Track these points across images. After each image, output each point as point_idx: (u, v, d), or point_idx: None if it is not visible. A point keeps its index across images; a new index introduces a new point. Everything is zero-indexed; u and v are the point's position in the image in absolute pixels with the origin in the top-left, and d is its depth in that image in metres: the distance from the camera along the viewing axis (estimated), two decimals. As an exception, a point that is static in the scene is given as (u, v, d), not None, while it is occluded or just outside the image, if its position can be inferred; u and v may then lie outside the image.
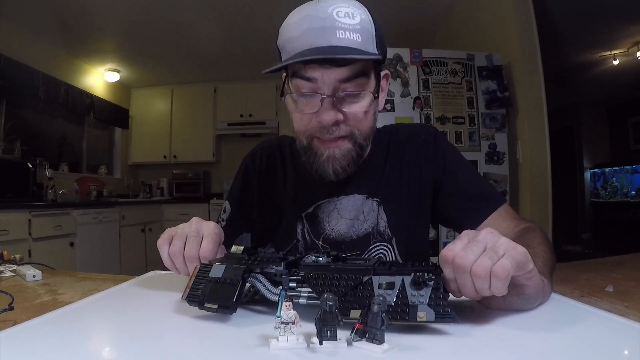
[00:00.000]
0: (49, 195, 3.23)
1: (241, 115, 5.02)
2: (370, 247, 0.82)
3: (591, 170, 5.67)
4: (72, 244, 3.05)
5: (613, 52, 4.04)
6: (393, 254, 0.82)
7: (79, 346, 0.43)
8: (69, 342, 0.43)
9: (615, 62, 4.16)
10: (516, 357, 0.40)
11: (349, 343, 0.40)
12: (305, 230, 0.83)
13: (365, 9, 0.69)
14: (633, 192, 4.96)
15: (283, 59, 0.70)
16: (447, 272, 0.46)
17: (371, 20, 0.68)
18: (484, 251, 0.45)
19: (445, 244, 2.53)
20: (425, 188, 0.84)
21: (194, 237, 0.60)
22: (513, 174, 2.65)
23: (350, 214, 0.82)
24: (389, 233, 0.82)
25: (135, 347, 0.42)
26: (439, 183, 0.84)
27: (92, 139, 4.68)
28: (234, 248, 0.58)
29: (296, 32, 0.67)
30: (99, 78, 4.59)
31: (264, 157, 0.91)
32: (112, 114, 4.78)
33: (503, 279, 0.42)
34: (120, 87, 4.99)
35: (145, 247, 4.19)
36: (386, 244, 0.82)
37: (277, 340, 0.40)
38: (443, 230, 2.52)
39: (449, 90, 2.60)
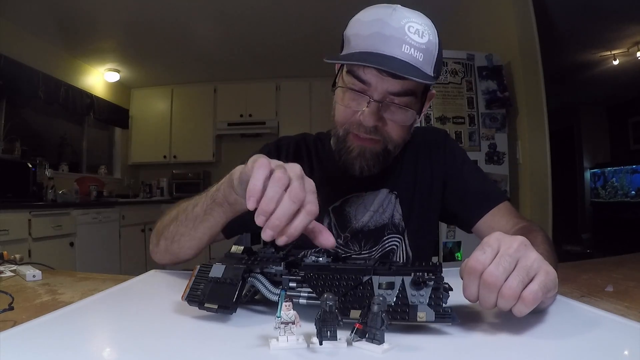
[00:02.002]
0: (49, 195, 3.23)
1: (241, 115, 5.02)
2: (385, 238, 0.85)
3: (591, 170, 5.67)
4: (72, 244, 3.05)
5: (613, 52, 4.04)
6: (404, 245, 0.86)
7: (79, 346, 0.43)
8: (69, 343, 0.43)
9: (615, 62, 4.16)
10: (516, 356, 0.40)
11: (349, 343, 0.40)
12: (332, 224, 0.85)
13: (435, 31, 0.71)
14: (633, 192, 4.96)
15: (345, 52, 0.73)
16: (472, 284, 0.44)
17: (437, 43, 0.71)
18: (515, 268, 0.43)
19: (445, 244, 2.54)
20: (435, 186, 0.89)
21: (301, 181, 0.48)
22: (513, 174, 2.65)
23: (374, 206, 0.85)
24: (403, 226, 0.86)
25: (135, 347, 0.42)
26: (446, 180, 0.89)
27: (92, 139, 4.67)
28: (233, 248, 0.58)
29: (365, 31, 0.69)
30: (99, 78, 4.59)
31: (290, 149, 0.92)
32: (112, 114, 4.78)
33: (531, 306, 0.42)
34: (120, 87, 4.99)
35: (145, 247, 4.18)
36: (399, 236, 0.86)
37: (277, 340, 0.39)
38: (443, 230, 2.52)
39: (449, 90, 2.60)
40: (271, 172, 0.48)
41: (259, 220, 0.47)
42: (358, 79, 0.71)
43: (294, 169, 0.50)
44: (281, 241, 0.48)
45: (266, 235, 0.47)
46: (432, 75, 0.70)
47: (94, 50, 4.05)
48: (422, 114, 0.82)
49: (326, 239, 0.52)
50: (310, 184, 0.50)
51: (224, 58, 4.44)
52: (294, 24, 3.65)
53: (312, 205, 0.48)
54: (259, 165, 0.48)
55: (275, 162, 0.51)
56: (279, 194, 0.46)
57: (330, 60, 0.69)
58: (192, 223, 0.72)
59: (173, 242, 0.76)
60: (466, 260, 0.45)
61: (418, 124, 0.84)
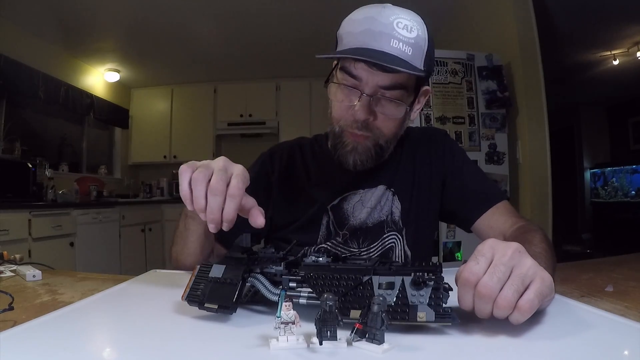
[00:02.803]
0: (49, 195, 3.23)
1: (241, 115, 5.02)
2: (385, 235, 0.86)
3: (591, 171, 5.67)
4: (72, 244, 3.05)
5: (613, 52, 4.04)
6: (402, 244, 0.86)
7: (79, 347, 0.43)
8: (69, 343, 0.43)
9: (615, 62, 4.16)
10: (516, 357, 0.40)
11: (349, 343, 0.40)
12: (330, 221, 0.87)
13: (425, 27, 0.73)
14: (633, 192, 4.96)
15: (338, 49, 0.75)
16: (467, 295, 0.44)
17: (427, 38, 0.72)
18: (510, 277, 0.43)
19: (445, 244, 2.54)
20: (434, 184, 0.89)
21: (222, 172, 0.53)
22: (513, 174, 2.65)
23: (371, 203, 0.86)
24: (401, 224, 0.87)
25: (135, 347, 0.42)
26: (445, 178, 0.89)
27: (92, 139, 4.67)
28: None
29: (356, 28, 0.71)
30: (99, 78, 4.59)
31: (284, 155, 0.94)
32: (112, 114, 4.78)
33: (527, 314, 0.42)
34: (120, 87, 4.99)
35: (145, 247, 4.19)
36: (397, 234, 0.87)
37: (277, 340, 0.39)
38: (443, 230, 2.52)
39: (449, 90, 2.60)
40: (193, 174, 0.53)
41: (201, 216, 0.53)
42: (350, 75, 0.73)
43: (217, 162, 0.54)
44: (225, 227, 0.53)
45: (211, 228, 0.53)
46: (422, 68, 0.72)
47: (94, 50, 4.05)
48: (417, 110, 0.83)
49: (254, 218, 0.56)
50: (236, 168, 0.54)
51: (224, 58, 4.44)
52: (294, 24, 3.65)
53: (232, 189, 0.52)
54: (181, 172, 0.54)
55: (198, 164, 0.55)
56: (203, 192, 0.52)
57: (321, 55, 0.71)
58: (181, 240, 0.77)
59: (178, 257, 0.80)
60: (460, 269, 0.44)
61: (412, 121, 0.85)
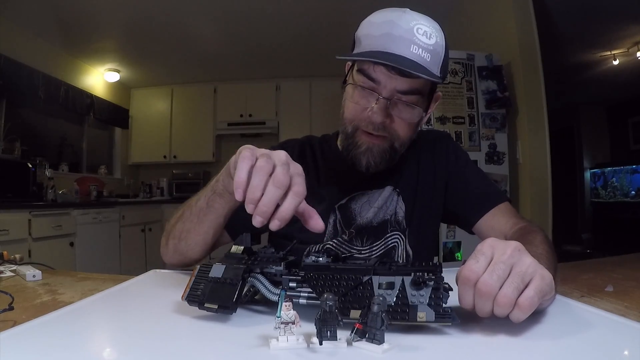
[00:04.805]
0: (49, 195, 3.23)
1: (241, 115, 5.02)
2: (388, 235, 0.86)
3: (591, 171, 5.67)
4: (72, 244, 3.05)
5: (613, 52, 4.04)
6: (404, 244, 0.87)
7: (79, 347, 0.43)
8: (69, 343, 0.43)
9: (615, 62, 4.16)
10: (516, 356, 0.40)
11: (349, 343, 0.40)
12: (337, 220, 0.87)
13: (443, 34, 0.74)
14: (633, 192, 4.95)
15: (356, 51, 0.75)
16: (467, 294, 0.44)
17: (444, 45, 0.73)
18: (509, 274, 0.43)
19: (445, 244, 2.54)
20: (437, 186, 0.90)
21: (286, 166, 0.50)
22: (513, 174, 2.64)
23: (378, 203, 0.87)
24: (405, 224, 0.87)
25: (135, 347, 0.42)
26: (448, 180, 0.90)
27: (92, 139, 4.67)
28: (233, 248, 0.58)
29: (376, 31, 0.72)
30: (99, 78, 4.59)
31: (295, 151, 0.93)
32: (112, 114, 4.78)
33: (527, 312, 0.42)
34: (120, 87, 4.99)
35: (145, 247, 4.19)
36: (400, 234, 0.87)
37: (277, 340, 0.40)
38: (443, 230, 2.52)
39: (449, 90, 2.60)
40: (256, 161, 0.50)
41: (249, 208, 0.49)
42: (368, 77, 0.73)
43: (279, 155, 0.51)
44: (274, 225, 0.49)
45: (256, 221, 0.49)
46: (439, 75, 0.72)
47: (94, 50, 4.05)
48: (428, 115, 0.83)
49: (316, 222, 0.54)
50: (296, 167, 0.52)
51: (224, 58, 4.44)
52: (293, 23, 3.65)
53: (298, 187, 0.49)
54: (243, 158, 0.50)
55: (259, 151, 0.52)
56: (263, 182, 0.48)
57: (342, 57, 0.72)
58: (196, 218, 0.73)
59: (180, 240, 0.76)
60: (460, 269, 0.45)
61: (424, 124, 0.85)
